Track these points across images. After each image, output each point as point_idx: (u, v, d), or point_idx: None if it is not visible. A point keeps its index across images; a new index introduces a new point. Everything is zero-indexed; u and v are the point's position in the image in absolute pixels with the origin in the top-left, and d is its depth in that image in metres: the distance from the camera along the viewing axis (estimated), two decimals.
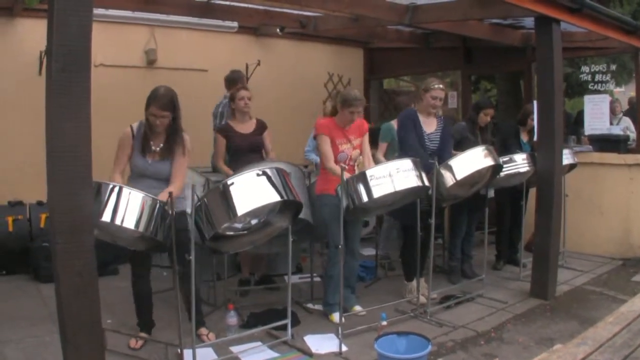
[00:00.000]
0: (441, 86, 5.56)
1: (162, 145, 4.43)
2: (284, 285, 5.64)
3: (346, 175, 4.70)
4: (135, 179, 4.38)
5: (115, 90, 7.50)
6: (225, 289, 5.69)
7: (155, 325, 4.72)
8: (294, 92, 9.50)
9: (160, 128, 4.36)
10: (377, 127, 7.00)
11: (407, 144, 5.55)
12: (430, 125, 5.65)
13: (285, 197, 4.15)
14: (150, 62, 8.21)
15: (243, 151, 5.68)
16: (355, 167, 5.24)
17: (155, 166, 4.41)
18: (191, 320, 4.17)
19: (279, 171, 4.23)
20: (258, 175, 4.06)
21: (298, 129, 8.01)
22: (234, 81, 6.62)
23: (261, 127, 5.86)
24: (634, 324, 4.40)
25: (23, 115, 6.98)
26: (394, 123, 6.28)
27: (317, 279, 5.95)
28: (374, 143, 5.82)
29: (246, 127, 5.78)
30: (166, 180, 4.42)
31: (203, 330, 4.68)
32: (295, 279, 6.00)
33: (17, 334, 4.76)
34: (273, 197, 4.10)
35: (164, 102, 4.26)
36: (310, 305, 5.55)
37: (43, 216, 6.73)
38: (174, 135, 4.42)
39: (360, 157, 5.31)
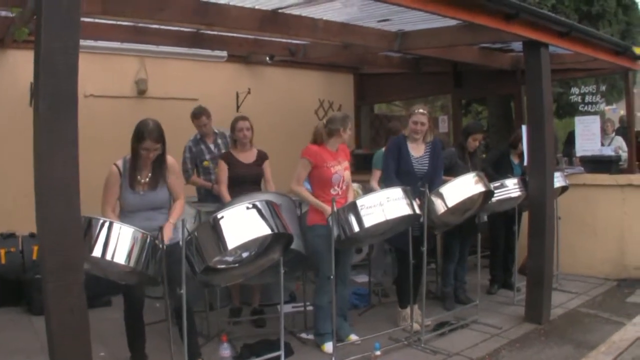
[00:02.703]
0: (422, 111, 5.54)
1: (150, 175, 4.42)
2: (276, 315, 5.60)
3: (337, 204, 4.73)
4: (128, 214, 4.34)
5: (106, 121, 7.51)
6: (218, 320, 5.66)
7: (148, 359, 4.69)
8: (285, 120, 9.52)
9: (150, 160, 4.37)
10: (369, 153, 7.01)
11: (387, 174, 5.56)
12: (418, 150, 5.65)
13: (276, 230, 4.13)
14: (141, 92, 8.24)
15: (244, 181, 5.69)
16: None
17: (149, 196, 4.40)
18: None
19: (269, 203, 4.21)
20: (248, 208, 4.05)
21: (289, 157, 7.95)
22: (196, 115, 6.49)
23: (262, 157, 5.91)
24: (625, 354, 4.42)
25: (15, 146, 6.93)
26: None
27: (311, 307, 5.92)
28: (367, 169, 5.82)
29: (248, 157, 5.83)
30: (161, 208, 4.46)
31: None
32: (288, 308, 5.97)
33: None
34: (263, 230, 4.08)
35: (156, 135, 4.27)
36: (304, 335, 5.51)
37: (35, 248, 6.65)
38: (160, 162, 4.43)
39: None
